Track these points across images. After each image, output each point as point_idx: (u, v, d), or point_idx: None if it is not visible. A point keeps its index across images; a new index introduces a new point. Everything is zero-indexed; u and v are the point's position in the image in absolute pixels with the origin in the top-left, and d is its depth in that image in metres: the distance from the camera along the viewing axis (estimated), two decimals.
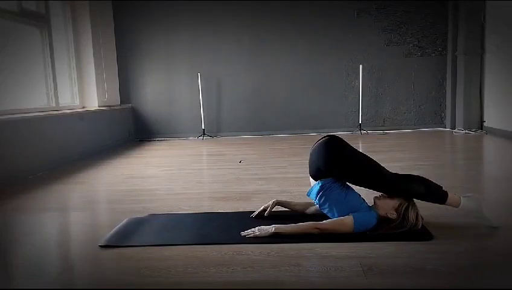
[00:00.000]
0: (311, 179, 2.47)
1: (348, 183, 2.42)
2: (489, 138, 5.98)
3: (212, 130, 7.34)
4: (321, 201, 2.38)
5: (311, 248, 2.12)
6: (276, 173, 4.08)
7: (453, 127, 6.89)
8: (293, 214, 2.65)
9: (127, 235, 2.42)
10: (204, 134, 7.19)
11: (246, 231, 2.33)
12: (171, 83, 7.33)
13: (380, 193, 2.35)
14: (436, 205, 2.37)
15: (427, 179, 2.36)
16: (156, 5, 7.10)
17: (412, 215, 2.23)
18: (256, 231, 2.31)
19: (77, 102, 6.22)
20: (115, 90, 7.15)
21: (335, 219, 2.29)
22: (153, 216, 2.79)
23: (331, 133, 2.46)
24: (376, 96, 7.18)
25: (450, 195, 2.33)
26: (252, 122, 7.30)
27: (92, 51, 6.31)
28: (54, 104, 5.44)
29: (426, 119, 7.18)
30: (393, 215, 2.24)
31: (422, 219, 2.29)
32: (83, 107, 6.25)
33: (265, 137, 7.04)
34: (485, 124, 6.56)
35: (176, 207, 3.01)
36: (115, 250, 2.23)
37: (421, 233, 2.24)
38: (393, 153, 4.97)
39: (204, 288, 1.79)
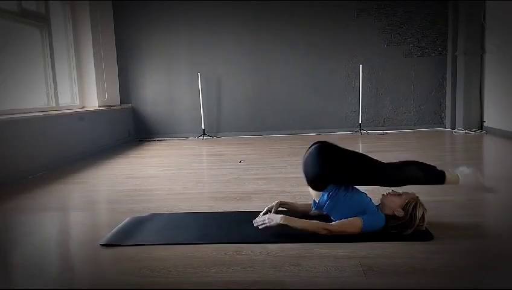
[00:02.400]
0: (310, 189, 2.44)
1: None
2: (489, 138, 5.98)
3: (212, 130, 7.34)
4: (329, 209, 2.36)
5: (311, 248, 2.12)
6: (276, 173, 4.08)
7: (453, 127, 6.89)
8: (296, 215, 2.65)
9: (128, 235, 2.43)
10: (204, 134, 7.19)
11: (257, 221, 2.33)
12: (171, 83, 7.33)
13: (387, 191, 2.34)
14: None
15: (423, 163, 2.38)
16: (156, 5, 7.10)
17: (419, 213, 2.23)
18: (266, 220, 2.29)
19: (77, 102, 6.22)
20: (115, 90, 7.15)
21: (344, 220, 2.26)
22: (155, 215, 2.80)
23: (319, 140, 2.43)
24: (376, 96, 7.18)
25: (447, 174, 2.35)
26: (252, 122, 7.30)
27: (92, 51, 6.31)
28: (54, 104, 5.44)
29: (426, 119, 7.18)
30: (400, 213, 2.23)
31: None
32: (83, 107, 6.25)
33: (265, 137, 7.04)
34: (485, 124, 6.56)
35: (176, 207, 3.01)
36: (115, 250, 2.23)
37: (421, 233, 2.24)
38: (393, 153, 4.97)
39: (204, 288, 1.79)
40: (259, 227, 2.29)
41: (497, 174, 3.92)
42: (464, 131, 6.54)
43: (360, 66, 6.94)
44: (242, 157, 5.00)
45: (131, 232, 2.46)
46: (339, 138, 6.60)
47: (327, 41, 7.10)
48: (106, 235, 2.41)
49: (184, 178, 4.06)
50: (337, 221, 2.28)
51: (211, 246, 2.21)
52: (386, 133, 6.94)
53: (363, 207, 2.29)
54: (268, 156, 5.11)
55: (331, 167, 2.33)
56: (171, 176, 4.22)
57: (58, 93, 5.58)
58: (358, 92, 7.00)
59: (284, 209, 2.64)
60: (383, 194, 2.34)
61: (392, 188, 2.36)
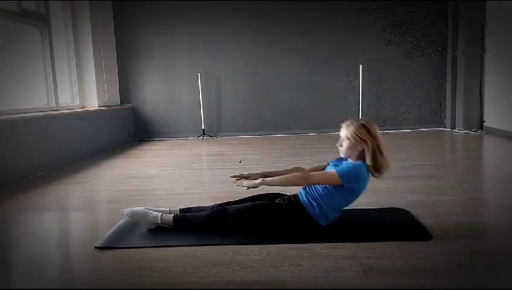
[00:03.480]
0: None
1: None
2: (489, 138, 5.98)
3: (212, 130, 7.34)
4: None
5: (311, 248, 2.12)
6: None
7: (453, 127, 6.89)
8: None
9: (123, 237, 2.40)
10: (204, 134, 7.19)
11: (235, 175, 2.41)
12: (171, 83, 7.33)
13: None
14: None
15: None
16: (156, 5, 7.10)
17: (373, 129, 2.27)
18: (245, 182, 2.35)
19: (77, 102, 6.22)
20: (115, 90, 7.15)
21: (322, 172, 2.37)
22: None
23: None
24: (376, 96, 7.18)
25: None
26: (252, 122, 7.30)
27: (92, 51, 6.31)
28: (54, 104, 5.44)
29: (426, 119, 7.18)
30: (361, 144, 2.26)
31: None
32: (83, 107, 6.25)
33: (265, 137, 7.04)
34: (485, 124, 6.56)
35: (176, 207, 3.00)
36: (115, 250, 2.23)
37: (421, 233, 2.24)
38: (393, 153, 4.97)
39: (204, 288, 1.79)
40: (233, 182, 2.37)
41: (497, 174, 3.92)
42: (463, 131, 6.54)
43: (360, 66, 6.94)
44: (242, 157, 5.00)
45: (127, 235, 2.43)
46: (339, 138, 6.59)
47: (327, 41, 7.10)
48: (101, 238, 2.39)
49: (184, 178, 4.06)
50: (316, 172, 2.36)
51: (210, 246, 2.20)
52: (386, 133, 6.94)
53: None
54: (268, 156, 5.11)
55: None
56: (171, 176, 4.21)
57: (58, 93, 5.58)
58: (358, 92, 7.00)
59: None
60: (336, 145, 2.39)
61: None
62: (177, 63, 7.26)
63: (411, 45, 7.02)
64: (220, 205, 2.54)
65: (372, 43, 7.04)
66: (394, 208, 2.75)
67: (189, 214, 2.47)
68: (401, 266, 1.89)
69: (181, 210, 2.60)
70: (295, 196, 2.43)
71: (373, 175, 2.31)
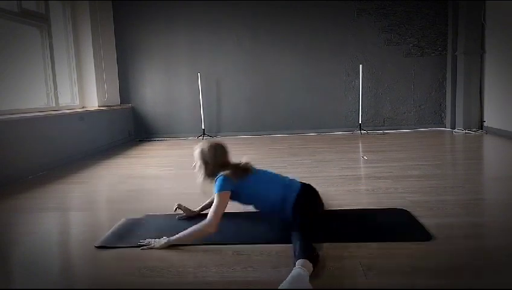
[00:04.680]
0: None
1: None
2: (489, 138, 5.98)
3: (212, 130, 7.34)
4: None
5: None
6: None
7: (453, 127, 6.89)
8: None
9: (123, 236, 2.41)
10: (204, 134, 7.19)
11: (142, 241, 2.27)
12: (171, 83, 7.33)
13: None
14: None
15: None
16: (156, 5, 7.10)
17: (210, 152, 2.52)
18: (152, 242, 2.24)
19: (77, 102, 6.22)
20: (115, 90, 7.15)
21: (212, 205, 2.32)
22: (150, 217, 2.78)
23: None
24: (376, 96, 7.18)
25: None
26: (252, 122, 7.30)
27: (92, 51, 6.31)
28: (54, 104, 5.44)
29: (426, 119, 7.18)
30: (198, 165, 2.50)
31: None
32: (83, 107, 6.25)
33: (265, 137, 7.04)
34: (485, 124, 6.56)
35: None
36: (115, 250, 2.23)
37: (421, 233, 2.24)
38: (393, 153, 4.97)
39: (204, 288, 1.79)
40: (141, 249, 2.21)
41: (497, 174, 3.92)
42: (463, 131, 6.54)
43: (360, 66, 6.94)
44: (242, 157, 4.99)
45: (127, 234, 2.44)
46: (339, 138, 6.60)
47: (327, 41, 7.10)
48: (101, 237, 2.40)
49: (184, 178, 4.06)
50: (209, 212, 2.30)
51: (210, 246, 2.20)
52: (386, 133, 6.94)
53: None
54: (268, 156, 5.11)
55: None
56: (171, 176, 4.21)
57: (58, 93, 5.58)
58: (358, 92, 7.00)
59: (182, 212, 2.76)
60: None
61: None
62: (177, 63, 7.26)
63: (411, 45, 7.02)
64: None
65: (372, 43, 7.04)
66: (394, 208, 2.76)
67: (302, 246, 2.06)
68: (401, 266, 1.89)
69: None
70: None
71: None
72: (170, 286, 1.81)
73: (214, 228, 2.20)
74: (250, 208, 2.86)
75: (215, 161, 2.49)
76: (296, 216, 2.26)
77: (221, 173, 2.41)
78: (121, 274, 1.95)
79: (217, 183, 2.37)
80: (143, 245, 2.25)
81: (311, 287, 1.68)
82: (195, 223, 2.28)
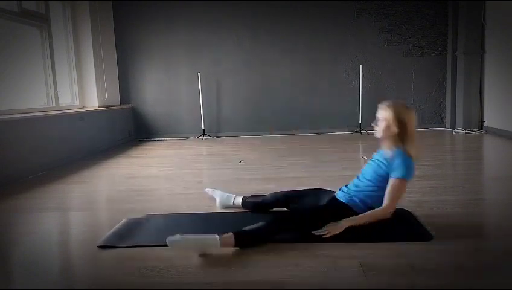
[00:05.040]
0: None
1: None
2: (489, 138, 5.98)
3: (212, 130, 7.34)
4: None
5: (311, 248, 2.12)
6: (276, 173, 4.08)
7: (453, 127, 6.90)
8: None
9: (125, 236, 2.42)
10: (204, 134, 7.19)
11: (319, 231, 2.24)
12: (171, 83, 7.33)
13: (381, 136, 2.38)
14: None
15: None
16: (156, 5, 7.10)
17: (411, 115, 2.32)
18: (330, 229, 2.22)
19: (77, 102, 6.22)
20: (115, 90, 7.15)
21: (388, 190, 2.27)
22: (151, 217, 2.78)
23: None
24: (376, 96, 7.17)
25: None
26: (252, 122, 7.30)
27: (92, 51, 6.31)
28: (54, 104, 5.44)
29: (426, 119, 7.18)
30: (393, 127, 2.30)
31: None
32: (83, 107, 6.25)
33: (265, 137, 7.04)
34: (485, 124, 6.56)
35: (176, 207, 3.01)
36: (115, 250, 2.23)
37: (421, 233, 2.24)
38: None
39: (204, 288, 1.79)
40: (323, 237, 2.20)
41: (497, 174, 3.92)
42: (463, 131, 6.54)
43: (360, 66, 6.94)
44: (242, 158, 5.00)
45: (128, 234, 2.45)
46: (339, 138, 6.60)
47: (327, 41, 7.10)
48: (103, 237, 2.41)
49: (184, 178, 4.06)
50: (386, 198, 2.27)
51: None
52: None
53: (386, 166, 2.31)
54: (268, 156, 5.11)
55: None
56: (171, 176, 4.21)
57: (58, 93, 5.58)
58: (358, 92, 7.00)
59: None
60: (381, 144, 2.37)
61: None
62: (177, 63, 7.26)
63: (411, 45, 7.02)
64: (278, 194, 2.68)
65: (372, 43, 7.04)
66: None
67: (248, 228, 2.22)
68: (401, 266, 1.89)
69: (243, 199, 2.76)
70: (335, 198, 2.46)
71: None
72: (170, 286, 1.81)
73: (391, 214, 2.26)
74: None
75: (412, 129, 2.30)
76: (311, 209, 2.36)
77: (410, 152, 2.28)
78: (121, 274, 1.95)
79: (405, 163, 2.24)
80: (322, 234, 2.21)
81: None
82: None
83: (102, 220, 2.97)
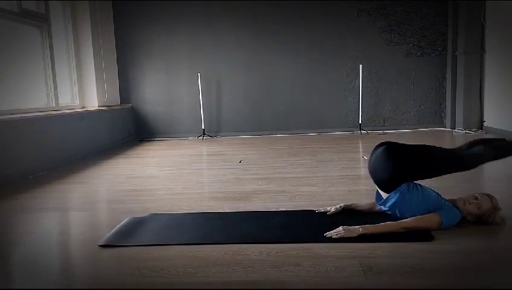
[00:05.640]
0: (380, 191, 2.45)
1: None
2: None
3: (212, 130, 7.34)
4: (399, 207, 2.37)
5: (311, 248, 2.12)
6: (276, 173, 4.08)
7: (453, 127, 6.89)
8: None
9: (127, 235, 2.43)
10: (204, 134, 7.19)
11: (329, 232, 2.26)
12: (171, 83, 7.33)
13: (464, 199, 2.37)
14: None
15: (489, 139, 2.45)
16: (156, 5, 7.10)
17: (496, 221, 2.32)
18: (342, 230, 2.24)
19: (77, 102, 6.22)
20: (115, 90, 7.15)
21: (420, 217, 2.27)
22: (154, 216, 2.79)
23: (384, 142, 2.44)
24: (376, 96, 7.18)
25: None
26: (252, 122, 7.30)
27: (92, 51, 6.31)
28: (54, 104, 5.44)
29: (426, 119, 7.18)
30: (473, 219, 2.33)
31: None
32: (83, 107, 6.25)
33: (265, 137, 7.04)
34: (485, 124, 6.56)
35: (176, 207, 3.01)
36: (115, 250, 2.23)
37: (421, 233, 2.23)
38: None
39: (204, 288, 1.79)
40: (333, 237, 2.22)
41: (497, 174, 3.91)
42: (463, 131, 6.54)
43: (360, 66, 6.94)
44: (242, 157, 5.00)
45: (130, 233, 2.46)
46: (339, 138, 6.60)
47: (327, 41, 7.10)
48: (105, 236, 2.41)
49: (184, 178, 4.06)
50: (413, 218, 2.28)
51: (211, 246, 2.20)
52: (386, 133, 6.94)
53: (437, 204, 2.33)
54: (268, 156, 5.11)
55: (404, 168, 2.33)
56: (171, 176, 4.22)
57: (58, 93, 5.58)
58: (358, 92, 7.00)
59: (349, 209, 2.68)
60: (461, 200, 2.37)
61: (471, 196, 2.39)
62: (177, 63, 7.26)
63: (411, 45, 7.02)
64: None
65: (372, 43, 7.04)
66: None
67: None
68: (401, 266, 1.89)
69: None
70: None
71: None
72: (170, 286, 1.81)
73: (403, 231, 2.24)
74: (249, 208, 2.86)
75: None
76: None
77: (462, 212, 2.36)
78: (121, 274, 1.95)
79: (452, 211, 2.31)
80: (333, 235, 2.23)
81: None
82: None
83: (102, 220, 2.97)
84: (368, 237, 2.20)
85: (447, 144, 5.77)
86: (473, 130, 6.53)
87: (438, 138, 6.26)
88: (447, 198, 2.44)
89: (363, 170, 4.14)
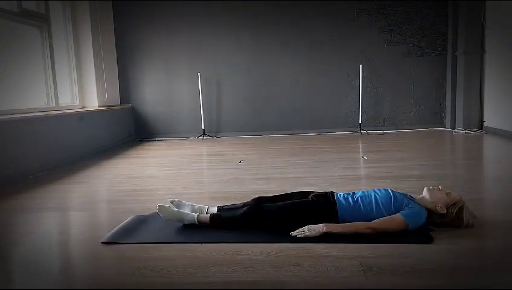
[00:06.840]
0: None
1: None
2: (489, 138, 5.98)
3: (212, 130, 7.34)
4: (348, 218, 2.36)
5: (311, 248, 2.12)
6: (276, 173, 4.08)
7: (453, 127, 6.89)
8: None
9: (129, 233, 2.43)
10: (204, 134, 7.19)
11: (295, 231, 2.29)
12: (171, 83, 7.33)
13: (434, 186, 2.40)
14: None
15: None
16: (156, 5, 7.10)
17: (466, 216, 2.30)
18: (306, 230, 2.26)
19: (77, 102, 6.22)
20: (115, 90, 7.15)
21: (385, 217, 2.28)
22: (158, 214, 2.78)
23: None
24: (376, 96, 7.18)
25: None
26: (252, 122, 7.30)
27: (92, 51, 6.31)
28: (54, 104, 5.44)
29: (426, 119, 7.18)
30: (442, 210, 2.29)
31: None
32: (83, 107, 6.25)
33: (265, 137, 7.04)
34: (485, 124, 6.56)
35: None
36: (115, 250, 2.23)
37: (421, 235, 2.23)
38: (393, 153, 4.97)
39: (204, 288, 1.79)
40: (298, 236, 2.25)
41: (497, 174, 3.92)
42: (463, 131, 6.54)
43: (360, 66, 6.94)
44: (242, 158, 5.00)
45: (133, 231, 2.47)
46: (339, 138, 6.61)
47: (327, 41, 7.10)
48: (108, 233, 2.42)
49: (184, 178, 4.06)
50: (378, 219, 2.27)
51: (211, 246, 2.20)
52: (386, 133, 6.94)
53: (397, 204, 2.32)
54: (268, 156, 5.11)
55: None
56: (171, 176, 4.22)
57: (58, 93, 5.58)
58: (358, 92, 7.00)
59: None
60: (429, 188, 2.39)
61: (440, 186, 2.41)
62: (177, 63, 7.26)
63: (411, 45, 7.02)
64: (254, 201, 2.58)
65: (372, 43, 7.04)
66: None
67: (224, 213, 2.54)
68: (401, 266, 1.89)
69: (218, 208, 2.67)
70: (332, 194, 2.46)
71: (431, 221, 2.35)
72: (170, 286, 1.81)
73: (369, 231, 2.24)
74: None
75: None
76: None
77: (428, 204, 2.35)
78: (121, 274, 1.95)
79: (418, 213, 2.29)
80: (296, 233, 2.27)
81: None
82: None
83: (102, 220, 2.98)
84: (368, 237, 2.20)
85: (447, 144, 5.78)
86: (473, 130, 6.53)
87: (438, 138, 6.26)
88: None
89: (363, 170, 4.14)
